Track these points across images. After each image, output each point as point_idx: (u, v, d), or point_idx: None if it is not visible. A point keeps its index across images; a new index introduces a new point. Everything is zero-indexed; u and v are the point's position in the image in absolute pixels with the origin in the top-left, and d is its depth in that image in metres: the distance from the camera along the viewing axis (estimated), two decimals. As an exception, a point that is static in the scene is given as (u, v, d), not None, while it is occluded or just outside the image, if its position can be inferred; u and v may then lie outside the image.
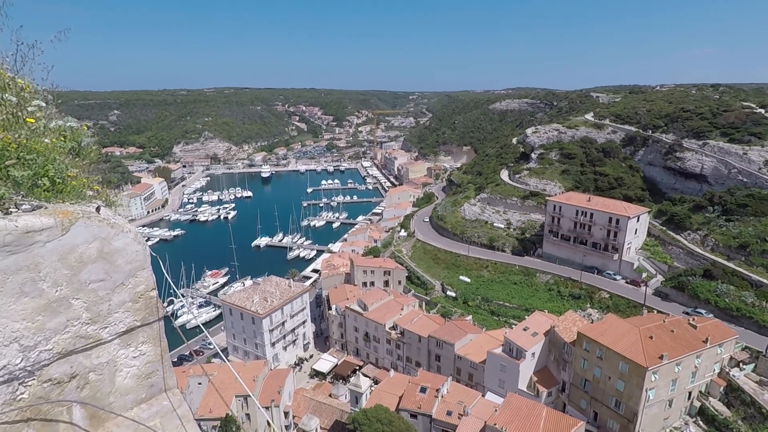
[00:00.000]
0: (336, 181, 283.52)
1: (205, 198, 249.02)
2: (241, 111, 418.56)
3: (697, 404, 64.06)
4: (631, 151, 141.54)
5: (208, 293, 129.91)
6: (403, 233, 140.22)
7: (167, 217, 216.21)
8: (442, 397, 61.05)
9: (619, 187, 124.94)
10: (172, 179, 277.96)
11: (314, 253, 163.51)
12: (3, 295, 3.27)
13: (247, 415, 67.54)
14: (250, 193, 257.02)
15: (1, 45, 4.01)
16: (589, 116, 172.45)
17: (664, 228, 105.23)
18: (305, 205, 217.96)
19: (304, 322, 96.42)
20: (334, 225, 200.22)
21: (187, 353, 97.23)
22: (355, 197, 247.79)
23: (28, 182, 3.68)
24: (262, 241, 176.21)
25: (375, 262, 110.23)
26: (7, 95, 3.94)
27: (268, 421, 65.57)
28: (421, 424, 59.51)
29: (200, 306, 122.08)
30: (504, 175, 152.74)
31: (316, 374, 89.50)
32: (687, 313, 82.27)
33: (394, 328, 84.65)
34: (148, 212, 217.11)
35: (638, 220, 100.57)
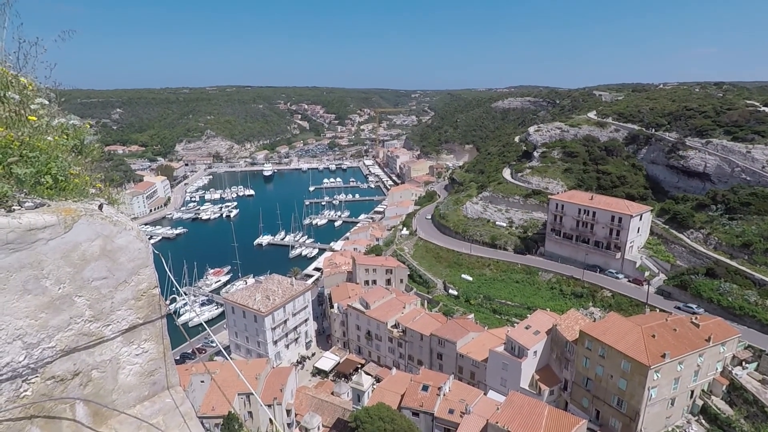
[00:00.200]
0: (338, 179, 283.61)
1: (207, 196, 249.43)
2: (244, 109, 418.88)
3: (700, 403, 63.95)
4: (633, 149, 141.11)
5: (210, 291, 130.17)
6: (405, 232, 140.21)
7: (170, 216, 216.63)
8: (444, 395, 61.08)
9: (621, 186, 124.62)
10: (174, 177, 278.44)
11: (316, 251, 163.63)
12: (6, 293, 3.28)
13: (250, 413, 67.77)
14: (252, 192, 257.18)
15: (3, 43, 4.01)
16: (592, 114, 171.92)
17: (667, 226, 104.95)
18: (307, 203, 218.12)
19: (306, 321, 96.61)
20: (336, 223, 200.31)
21: (189, 351, 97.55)
22: (357, 196, 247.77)
23: (30, 180, 3.69)
24: (265, 239, 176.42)
25: (377, 261, 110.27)
26: (9, 93, 3.94)
27: (270, 419, 65.89)
28: (423, 423, 59.57)
29: (203, 304, 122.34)
30: (506, 173, 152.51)
31: (318, 372, 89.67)
32: (678, 308, 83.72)
33: (396, 326, 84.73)
34: (151, 210, 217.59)
35: (641, 219, 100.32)
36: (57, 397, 3.66)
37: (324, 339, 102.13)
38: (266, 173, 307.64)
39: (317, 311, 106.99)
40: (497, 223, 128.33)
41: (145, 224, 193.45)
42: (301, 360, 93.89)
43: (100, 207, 3.99)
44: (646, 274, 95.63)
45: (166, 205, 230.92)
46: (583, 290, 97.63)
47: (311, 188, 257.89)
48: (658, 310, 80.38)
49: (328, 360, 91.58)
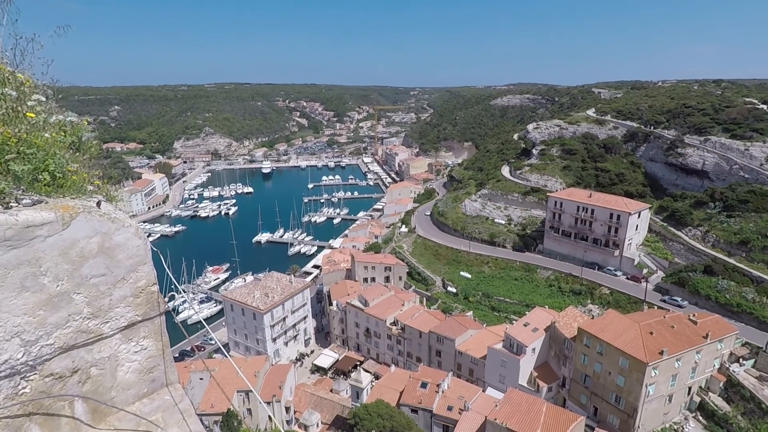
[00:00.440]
0: (337, 176, 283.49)
1: (205, 194, 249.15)
2: (242, 106, 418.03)
3: (697, 399, 64.23)
4: (632, 147, 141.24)
5: (209, 289, 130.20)
6: (404, 229, 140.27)
7: (168, 213, 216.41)
8: (443, 392, 61.26)
9: (620, 183, 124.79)
10: (172, 175, 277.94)
11: (315, 248, 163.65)
12: (4, 290, 3.27)
13: (249, 410, 67.87)
14: (250, 189, 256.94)
15: (0, 39, 3.99)
16: (591, 112, 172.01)
17: (665, 224, 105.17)
18: (306, 200, 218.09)
19: (305, 318, 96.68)
20: (335, 221, 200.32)
21: (188, 349, 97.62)
22: (355, 193, 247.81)
23: (28, 177, 3.67)
24: (263, 236, 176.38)
25: (376, 258, 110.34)
26: (6, 89, 3.92)
27: (269, 416, 65.97)
28: (421, 419, 59.75)
29: (201, 302, 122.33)
30: (505, 171, 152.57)
31: (317, 369, 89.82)
32: (664, 301, 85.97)
33: (394, 323, 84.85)
34: (149, 208, 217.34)
35: (639, 216, 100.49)
36: (56, 395, 3.65)
37: (323, 336, 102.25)
38: (265, 171, 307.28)
39: (316, 309, 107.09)
40: (496, 220, 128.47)
41: (144, 222, 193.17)
42: (300, 357, 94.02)
43: (98, 204, 3.98)
44: (645, 271, 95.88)
45: (164, 202, 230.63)
46: (582, 287, 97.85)
47: (310, 186, 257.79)
48: (656, 308, 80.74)
49: (326, 357, 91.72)
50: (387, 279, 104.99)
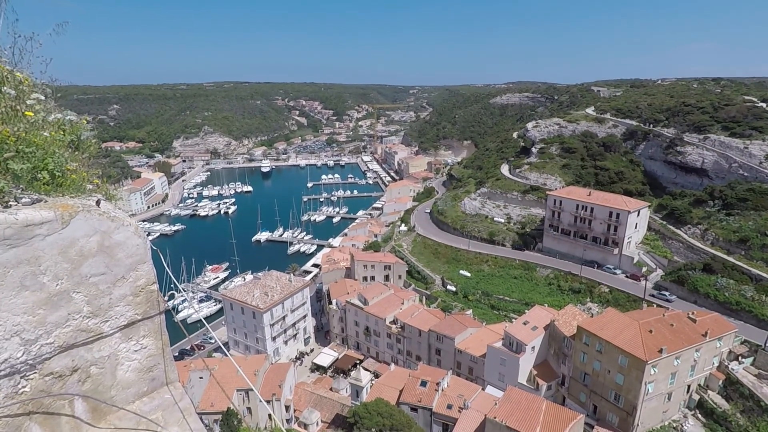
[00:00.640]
0: (336, 175, 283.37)
1: (205, 193, 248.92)
2: (241, 105, 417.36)
3: (696, 397, 64.35)
4: (631, 145, 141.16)
5: (208, 288, 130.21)
6: (403, 228, 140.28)
7: (167, 212, 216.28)
8: (443, 390, 61.35)
9: (619, 182, 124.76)
10: (172, 174, 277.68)
11: (314, 247, 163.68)
12: (4, 289, 3.27)
13: (249, 408, 67.93)
14: (250, 188, 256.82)
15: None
16: (590, 110, 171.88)
17: (665, 222, 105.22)
18: (305, 199, 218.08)
19: (304, 317, 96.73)
20: (335, 220, 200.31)
21: (188, 347, 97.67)
22: (355, 192, 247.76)
23: (27, 175, 3.67)
24: (263, 235, 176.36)
25: (375, 257, 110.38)
26: (5, 88, 3.92)
27: (269, 415, 66.03)
28: (421, 418, 59.84)
29: (201, 301, 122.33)
30: (504, 169, 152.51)
31: (316, 368, 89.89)
32: (653, 296, 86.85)
33: (394, 322, 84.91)
34: (149, 207, 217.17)
35: (638, 215, 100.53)
36: (55, 394, 3.65)
37: (322, 335, 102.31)
38: (264, 169, 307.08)
39: (316, 307, 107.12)
40: (495, 219, 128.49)
41: (143, 221, 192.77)
42: (300, 356, 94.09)
43: (98, 203, 3.98)
44: (644, 269, 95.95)
45: (163, 201, 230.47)
46: (581, 286, 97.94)
47: (309, 184, 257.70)
48: (655, 306, 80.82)
49: (326, 356, 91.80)
50: (386, 278, 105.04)
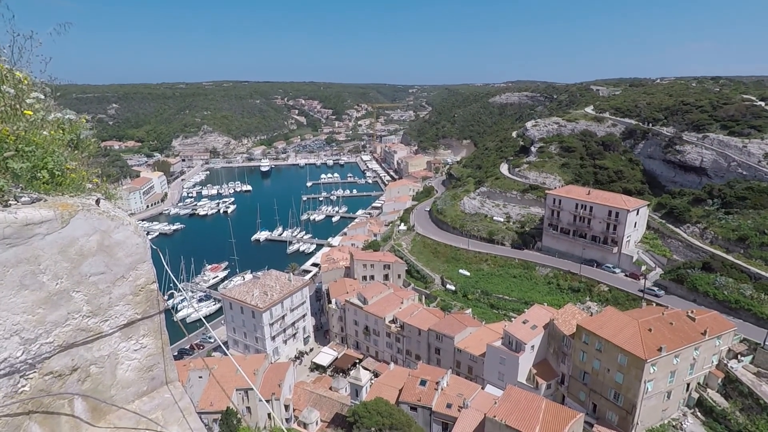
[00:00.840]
0: (335, 175, 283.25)
1: (204, 192, 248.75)
2: (240, 104, 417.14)
3: (696, 396, 64.48)
4: (630, 144, 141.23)
5: (208, 287, 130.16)
6: (402, 227, 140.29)
7: (167, 211, 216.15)
8: (442, 389, 61.39)
9: (618, 181, 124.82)
10: (171, 173, 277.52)
11: (314, 247, 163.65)
12: (3, 288, 3.27)
13: (248, 408, 67.92)
14: (249, 187, 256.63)
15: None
16: (589, 109, 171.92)
17: (664, 221, 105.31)
18: (305, 199, 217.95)
19: (304, 316, 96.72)
20: (334, 219, 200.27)
21: (187, 347, 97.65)
22: (354, 191, 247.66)
23: (27, 174, 3.66)
24: (262, 235, 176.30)
25: (375, 256, 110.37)
26: (4, 87, 3.91)
27: (269, 414, 66.04)
28: (421, 417, 59.88)
29: (200, 300, 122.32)
30: (504, 168, 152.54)
31: (316, 367, 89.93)
32: (642, 291, 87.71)
33: (393, 321, 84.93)
34: (148, 206, 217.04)
35: (638, 213, 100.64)
36: (55, 393, 3.65)
37: (322, 334, 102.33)
38: (263, 169, 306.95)
39: (315, 307, 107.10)
40: (495, 218, 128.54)
41: (142, 220, 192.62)
42: (299, 355, 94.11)
43: (97, 202, 3.97)
44: (643, 268, 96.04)
45: (163, 200, 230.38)
46: (580, 285, 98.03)
47: (309, 184, 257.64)
48: (654, 304, 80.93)
49: (326, 355, 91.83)
50: (386, 277, 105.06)
